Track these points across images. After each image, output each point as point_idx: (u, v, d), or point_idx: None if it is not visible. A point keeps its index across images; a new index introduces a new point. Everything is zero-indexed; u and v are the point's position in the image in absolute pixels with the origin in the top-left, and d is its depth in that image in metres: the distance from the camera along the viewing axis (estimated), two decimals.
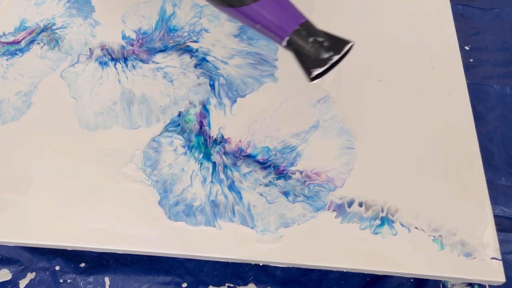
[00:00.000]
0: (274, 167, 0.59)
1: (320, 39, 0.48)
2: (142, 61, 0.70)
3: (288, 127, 0.62)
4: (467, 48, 1.00)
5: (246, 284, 0.74)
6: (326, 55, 0.48)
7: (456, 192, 0.56)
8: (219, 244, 0.54)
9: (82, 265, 0.76)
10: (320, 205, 0.56)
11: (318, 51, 0.48)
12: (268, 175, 0.59)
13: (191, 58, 0.70)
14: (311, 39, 0.48)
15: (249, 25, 0.51)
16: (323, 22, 0.73)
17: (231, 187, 0.58)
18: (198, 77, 0.68)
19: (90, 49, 0.72)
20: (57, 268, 0.75)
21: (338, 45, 0.49)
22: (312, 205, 0.56)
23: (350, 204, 0.56)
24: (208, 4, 0.76)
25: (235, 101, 0.65)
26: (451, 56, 0.68)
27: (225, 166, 0.59)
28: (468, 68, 0.96)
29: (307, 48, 0.49)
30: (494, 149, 0.87)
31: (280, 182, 0.58)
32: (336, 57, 0.49)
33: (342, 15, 0.74)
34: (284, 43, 0.49)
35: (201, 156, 0.60)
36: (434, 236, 0.53)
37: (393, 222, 0.55)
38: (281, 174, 0.59)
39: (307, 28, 0.48)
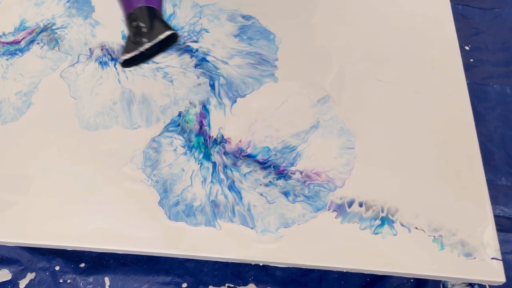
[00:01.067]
0: (274, 167, 0.59)
1: (142, 24, 0.47)
2: None
3: (288, 127, 0.62)
4: (467, 48, 1.00)
5: (246, 284, 0.74)
6: (138, 42, 0.48)
7: (456, 192, 0.56)
8: (219, 244, 0.54)
9: (82, 265, 0.76)
10: (320, 205, 0.56)
11: (134, 36, 0.48)
12: (268, 175, 0.59)
13: (191, 58, 0.70)
14: (134, 23, 0.48)
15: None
16: (323, 22, 0.73)
17: (231, 187, 0.58)
18: (198, 77, 0.68)
19: (90, 49, 0.72)
20: (57, 268, 0.75)
21: (154, 32, 0.48)
22: (312, 205, 0.56)
23: (350, 204, 0.56)
24: (208, 4, 0.76)
25: (235, 101, 0.65)
26: (451, 56, 0.68)
27: (225, 166, 0.59)
28: (468, 68, 0.96)
29: (129, 32, 0.49)
30: (494, 149, 0.87)
31: (280, 182, 0.58)
32: (147, 45, 0.48)
33: (342, 15, 0.74)
34: (124, 21, 0.50)
35: (201, 156, 0.60)
36: (434, 236, 0.53)
37: (393, 222, 0.55)
38: (281, 174, 0.59)
39: (140, 13, 0.48)
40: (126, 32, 0.49)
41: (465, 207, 0.55)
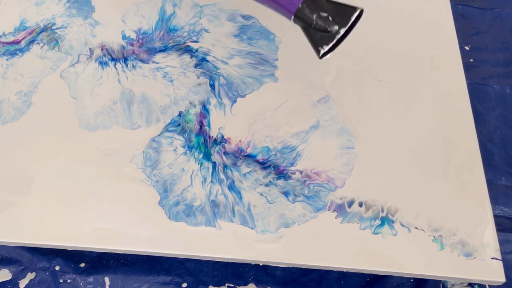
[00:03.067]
0: (274, 167, 0.59)
1: (324, 14, 0.47)
2: (142, 61, 0.70)
3: (288, 127, 0.62)
4: (467, 48, 1.00)
5: (246, 284, 0.74)
6: (332, 30, 0.47)
7: (456, 192, 0.56)
8: (219, 244, 0.54)
9: (82, 265, 0.76)
10: (320, 205, 0.56)
11: (323, 27, 0.48)
12: (268, 175, 0.59)
13: (191, 58, 0.70)
14: (315, 16, 0.48)
15: (260, 2, 0.50)
16: None
17: (231, 187, 0.58)
18: (198, 77, 0.68)
19: (90, 49, 0.72)
20: (57, 268, 0.75)
21: (343, 16, 0.47)
22: (312, 205, 0.56)
23: (350, 204, 0.56)
24: (208, 4, 0.76)
25: (235, 101, 0.65)
26: (451, 56, 0.69)
27: (225, 166, 0.59)
28: (468, 68, 0.96)
29: (313, 25, 0.48)
30: (494, 149, 0.87)
31: (280, 182, 0.58)
32: (342, 30, 0.48)
33: None
34: (292, 21, 0.49)
35: (201, 156, 0.61)
36: (434, 236, 0.53)
37: (393, 222, 0.55)
38: (281, 174, 0.59)
39: (311, 4, 0.48)
40: (306, 28, 0.47)
41: (465, 207, 0.55)
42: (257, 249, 0.54)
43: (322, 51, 0.48)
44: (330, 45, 0.48)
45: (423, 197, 0.56)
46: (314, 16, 0.48)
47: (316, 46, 0.48)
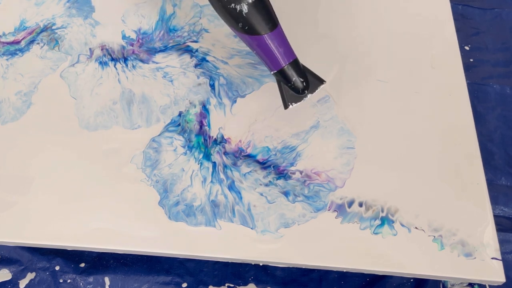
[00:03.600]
0: (274, 167, 0.59)
1: (301, 79, 0.56)
2: (142, 61, 0.70)
3: (288, 127, 0.63)
4: (467, 48, 1.00)
5: (246, 284, 0.74)
6: (302, 93, 0.57)
7: (456, 192, 0.56)
8: (219, 244, 0.54)
9: (82, 265, 0.76)
10: (320, 205, 0.56)
11: (296, 89, 0.57)
12: (268, 175, 0.59)
13: (191, 58, 0.70)
14: (294, 78, 0.56)
15: (252, 49, 0.58)
16: (323, 22, 0.73)
17: (231, 187, 0.58)
18: (198, 77, 0.68)
19: (90, 49, 0.72)
20: (57, 268, 0.75)
21: (314, 84, 0.57)
22: (312, 205, 0.56)
23: (350, 204, 0.56)
24: (208, 4, 0.76)
25: (235, 101, 0.65)
26: (451, 56, 0.68)
27: (225, 166, 0.59)
28: (468, 68, 0.96)
29: (289, 84, 0.57)
30: (494, 149, 0.87)
31: (280, 182, 0.58)
32: (309, 96, 0.57)
33: (342, 15, 0.74)
34: (272, 73, 0.57)
35: (201, 156, 0.61)
36: (434, 236, 0.53)
37: (393, 222, 0.55)
38: (281, 174, 0.59)
39: (293, 67, 0.56)
40: (281, 81, 0.57)
41: (465, 207, 0.55)
42: (257, 249, 0.54)
43: (290, 106, 0.58)
44: (297, 104, 0.58)
45: (423, 197, 0.56)
46: (293, 79, 0.56)
47: (285, 101, 0.58)
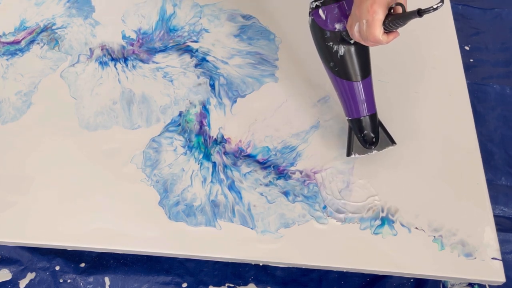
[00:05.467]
0: (274, 167, 0.59)
1: (372, 135, 0.55)
2: (142, 61, 0.70)
3: (288, 127, 0.62)
4: (467, 48, 1.00)
5: (246, 284, 0.74)
6: (368, 148, 0.56)
7: (456, 192, 0.56)
8: (219, 244, 0.54)
9: (82, 265, 0.76)
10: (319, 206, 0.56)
11: (365, 142, 0.55)
12: (268, 175, 0.59)
13: (191, 58, 0.70)
14: (366, 131, 0.55)
15: (336, 90, 0.56)
16: None
17: (231, 187, 0.58)
18: (198, 77, 0.68)
19: (90, 49, 0.72)
20: (57, 268, 0.75)
21: (383, 143, 0.56)
22: (312, 205, 0.56)
23: None
24: (208, 4, 0.76)
25: (235, 101, 0.65)
26: (451, 56, 0.68)
27: (225, 166, 0.59)
28: (468, 68, 0.96)
29: (360, 135, 0.56)
30: (494, 149, 0.87)
31: (280, 182, 0.58)
32: (374, 152, 0.56)
33: None
34: (348, 119, 0.56)
35: (201, 156, 0.60)
36: (435, 236, 0.53)
37: (393, 222, 0.55)
38: (281, 174, 0.59)
39: (370, 120, 0.55)
40: (352, 129, 0.56)
41: (465, 207, 0.55)
42: (257, 249, 0.54)
43: (352, 156, 0.56)
44: (361, 156, 0.56)
45: (423, 197, 0.56)
46: (365, 131, 0.55)
47: (350, 149, 0.57)
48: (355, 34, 0.48)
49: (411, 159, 0.59)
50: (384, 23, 0.45)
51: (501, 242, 0.76)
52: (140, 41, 0.72)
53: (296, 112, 0.64)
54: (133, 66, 0.69)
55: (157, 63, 0.69)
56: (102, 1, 0.78)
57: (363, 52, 0.53)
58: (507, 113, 0.91)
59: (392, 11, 0.45)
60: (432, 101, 0.64)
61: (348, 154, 0.57)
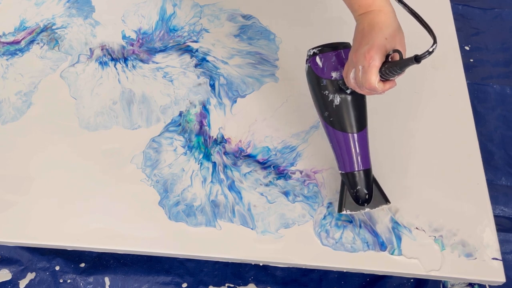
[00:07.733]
0: (274, 167, 0.59)
1: (365, 191, 0.52)
2: (142, 61, 0.70)
3: (288, 127, 0.62)
4: (467, 48, 1.00)
5: (246, 284, 0.74)
6: (361, 205, 0.53)
7: (456, 192, 0.56)
8: (219, 244, 0.54)
9: (82, 265, 0.76)
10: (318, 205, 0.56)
11: (357, 198, 0.53)
12: (268, 175, 0.59)
13: (191, 58, 0.70)
14: (359, 187, 0.52)
15: (330, 141, 0.54)
16: (323, 22, 0.73)
17: (231, 187, 0.58)
18: (198, 77, 0.68)
19: (90, 49, 0.72)
20: (57, 268, 0.75)
21: (376, 201, 0.53)
22: (312, 205, 0.56)
23: None
24: (208, 4, 0.76)
25: (235, 101, 0.65)
26: (451, 56, 0.68)
27: (225, 166, 0.59)
28: (468, 68, 0.96)
29: (352, 190, 0.53)
30: (494, 149, 0.87)
31: (280, 182, 0.58)
32: (367, 209, 0.53)
33: (342, 14, 0.74)
34: (341, 173, 0.54)
35: (201, 156, 0.60)
36: (435, 237, 0.53)
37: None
38: (281, 174, 0.59)
39: (364, 175, 0.52)
40: (346, 186, 0.53)
41: (465, 207, 0.55)
42: (257, 249, 0.54)
43: (343, 212, 0.53)
44: (352, 213, 0.53)
45: (423, 197, 0.56)
46: (358, 187, 0.52)
47: (342, 205, 0.53)
48: (351, 80, 0.46)
49: (411, 159, 0.59)
50: (380, 70, 0.44)
51: (501, 242, 0.76)
52: (140, 41, 0.72)
53: (296, 112, 0.64)
54: (133, 66, 0.69)
55: (157, 63, 0.69)
56: (102, 1, 0.78)
57: (359, 103, 0.51)
58: (507, 113, 0.91)
59: (389, 58, 0.44)
60: (432, 101, 0.64)
61: (340, 210, 0.53)
